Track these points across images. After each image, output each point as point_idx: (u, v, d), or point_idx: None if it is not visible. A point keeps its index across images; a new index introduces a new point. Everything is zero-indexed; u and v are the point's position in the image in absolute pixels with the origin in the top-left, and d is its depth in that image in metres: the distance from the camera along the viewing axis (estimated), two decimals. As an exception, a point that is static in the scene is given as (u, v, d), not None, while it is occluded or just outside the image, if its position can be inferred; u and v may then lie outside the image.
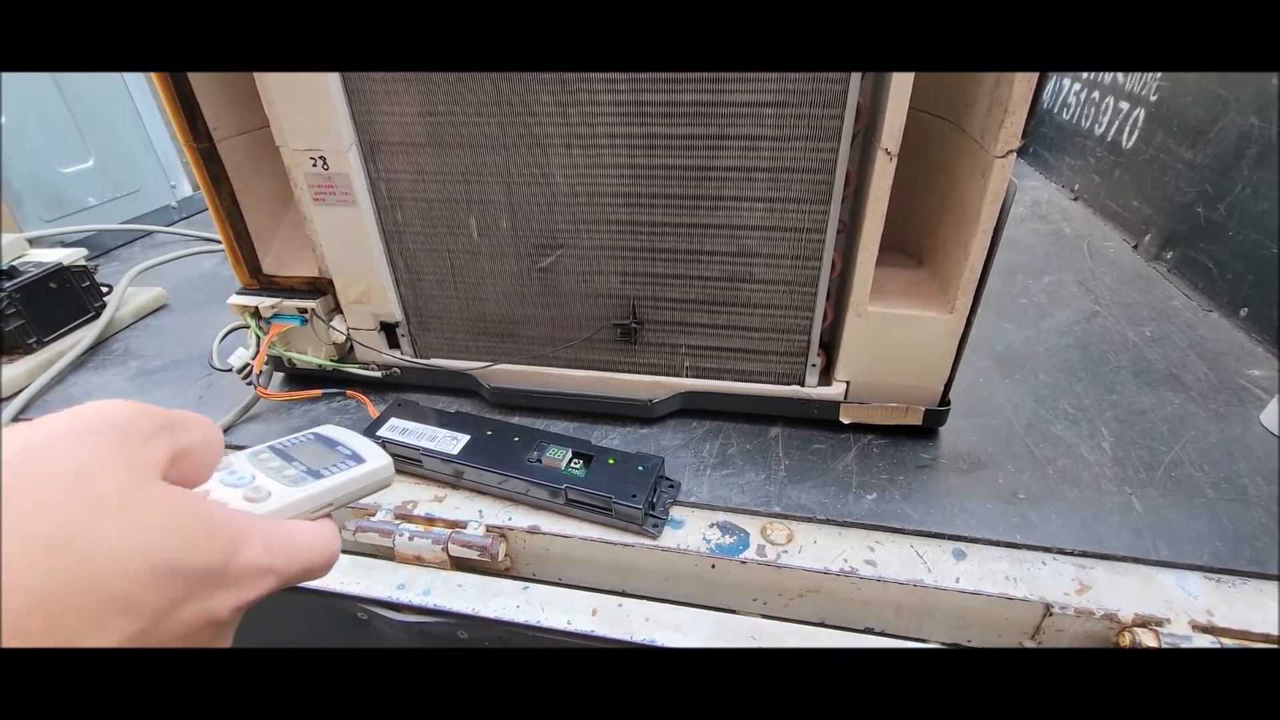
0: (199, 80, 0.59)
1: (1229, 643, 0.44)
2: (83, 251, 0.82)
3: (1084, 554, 0.50)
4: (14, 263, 0.78)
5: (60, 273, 0.77)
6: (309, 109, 0.56)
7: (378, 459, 0.31)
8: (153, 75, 0.57)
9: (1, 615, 0.17)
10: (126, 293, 0.86)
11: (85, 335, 0.78)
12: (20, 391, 0.69)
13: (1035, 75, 0.45)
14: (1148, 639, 0.44)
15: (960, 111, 0.55)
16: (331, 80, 0.54)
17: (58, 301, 0.77)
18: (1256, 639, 0.45)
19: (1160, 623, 0.45)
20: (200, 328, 0.84)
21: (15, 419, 0.67)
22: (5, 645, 0.17)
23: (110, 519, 0.19)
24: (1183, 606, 0.46)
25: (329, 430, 0.33)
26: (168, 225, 1.18)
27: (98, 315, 0.81)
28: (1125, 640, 0.45)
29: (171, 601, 0.20)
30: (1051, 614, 0.47)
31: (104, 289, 0.83)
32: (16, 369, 0.72)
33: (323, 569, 0.25)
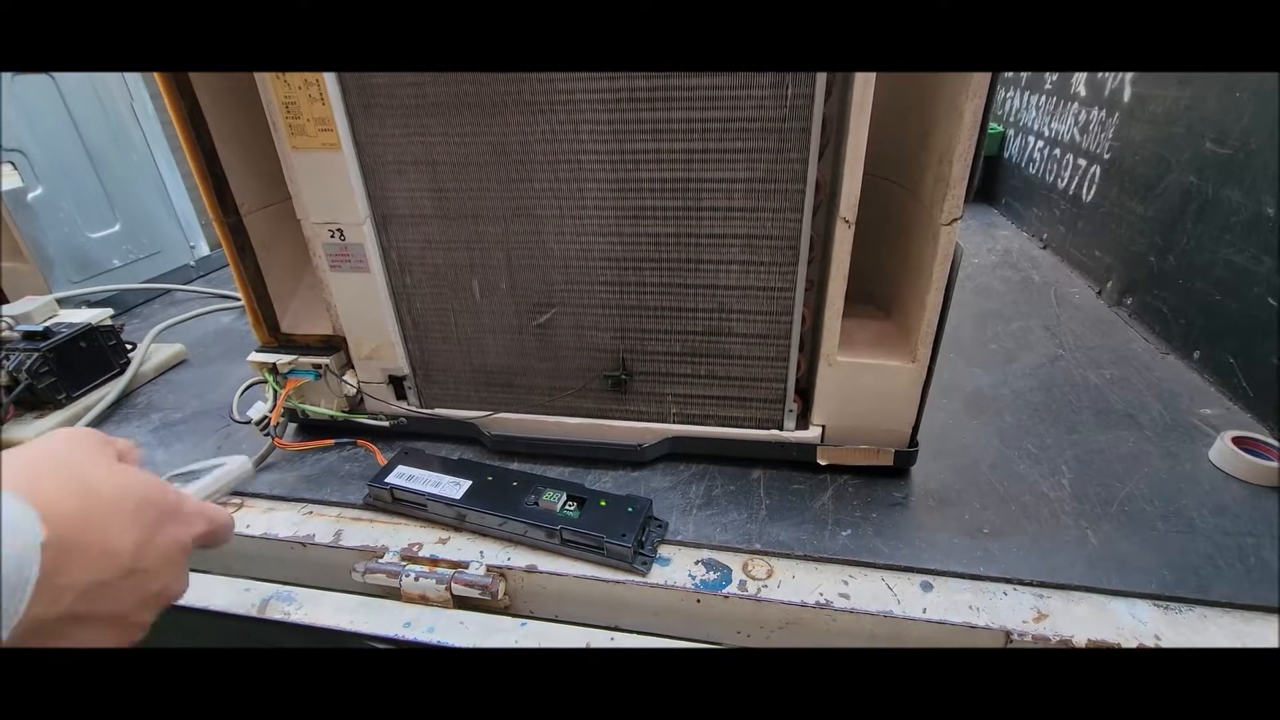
0: (229, 159, 0.66)
1: (1176, 666, 0.48)
2: (109, 311, 0.88)
3: (1042, 584, 0.54)
4: (46, 324, 0.84)
5: (90, 332, 0.82)
6: (328, 186, 0.62)
7: (238, 461, 0.51)
8: (189, 157, 0.63)
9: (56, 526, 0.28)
10: (149, 349, 0.92)
11: (110, 391, 0.83)
12: (50, 445, 0.74)
13: (971, 155, 0.52)
14: (1100, 663, 0.48)
15: (914, 179, 0.62)
16: (349, 161, 0.61)
17: (86, 359, 0.83)
18: (1200, 662, 0.48)
19: (1113, 647, 0.49)
20: (218, 381, 0.90)
21: (45, 471, 0.71)
22: (74, 548, 0.28)
23: (108, 478, 0.32)
24: (1132, 632, 0.50)
25: (212, 460, 0.51)
26: (186, 283, 1.24)
27: (122, 371, 0.86)
28: (1080, 665, 0.49)
29: (154, 524, 0.33)
30: (1011, 641, 0.50)
31: (128, 346, 0.89)
32: (46, 423, 0.77)
33: (228, 530, 0.40)
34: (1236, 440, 0.65)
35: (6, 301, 1.05)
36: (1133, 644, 0.49)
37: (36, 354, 0.76)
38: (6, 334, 0.82)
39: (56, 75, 1.02)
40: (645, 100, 0.54)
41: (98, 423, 0.80)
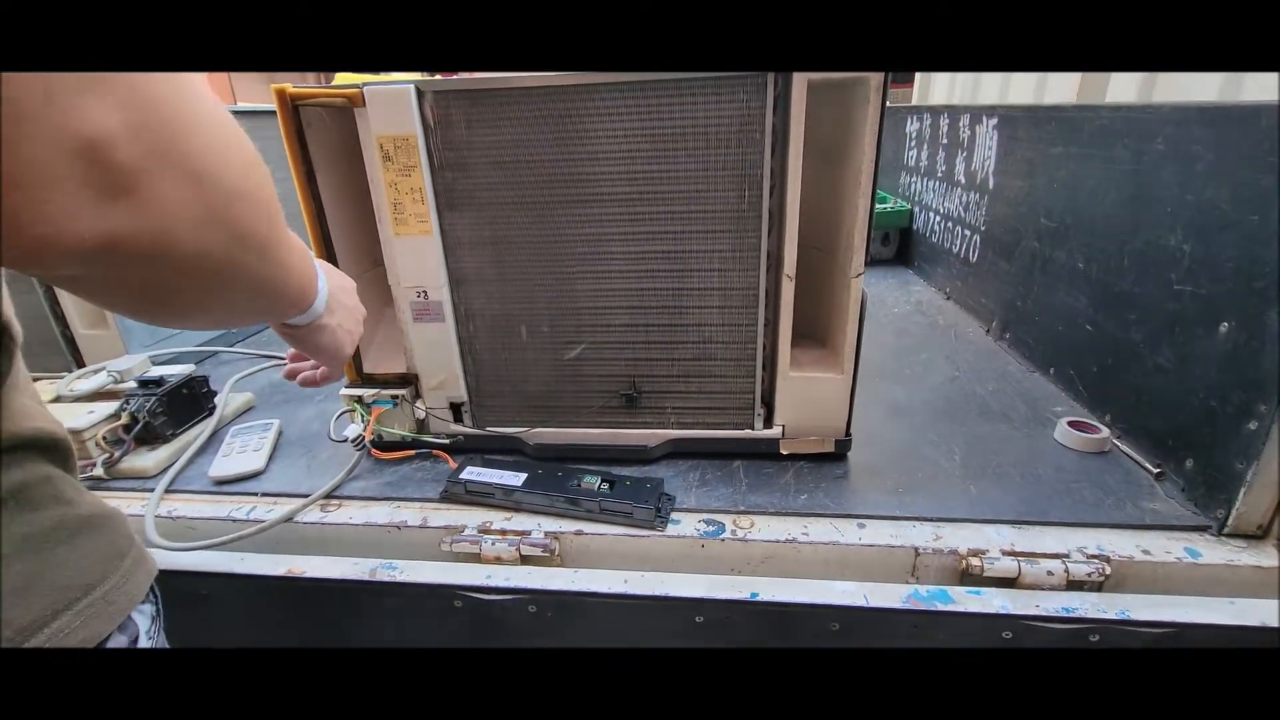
0: (339, 243, 0.88)
1: (1025, 563, 0.71)
2: (193, 365, 1.07)
3: (939, 519, 0.78)
4: (146, 375, 1.02)
5: (191, 381, 1.01)
6: (419, 260, 0.85)
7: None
8: (312, 244, 0.86)
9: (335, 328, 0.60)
10: (227, 396, 1.10)
11: (205, 428, 1.01)
12: (168, 469, 0.91)
13: (866, 232, 0.79)
14: (976, 561, 0.71)
15: (834, 249, 0.89)
16: (435, 242, 0.84)
17: (186, 403, 1.00)
18: (1040, 557, 0.72)
19: (983, 552, 0.72)
20: (287, 421, 1.08)
21: (168, 490, 0.88)
22: (341, 328, 0.61)
23: (347, 300, 0.63)
24: (996, 542, 0.73)
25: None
26: (230, 346, 1.42)
27: (211, 414, 1.04)
28: (963, 565, 0.72)
29: (354, 326, 0.65)
30: (919, 554, 0.73)
31: (214, 393, 1.07)
32: (160, 454, 0.93)
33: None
34: (1070, 423, 0.92)
35: (84, 364, 1.21)
36: (996, 549, 0.72)
37: (154, 398, 0.94)
38: (122, 385, 1.00)
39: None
40: (649, 199, 0.80)
41: (197, 455, 0.97)
